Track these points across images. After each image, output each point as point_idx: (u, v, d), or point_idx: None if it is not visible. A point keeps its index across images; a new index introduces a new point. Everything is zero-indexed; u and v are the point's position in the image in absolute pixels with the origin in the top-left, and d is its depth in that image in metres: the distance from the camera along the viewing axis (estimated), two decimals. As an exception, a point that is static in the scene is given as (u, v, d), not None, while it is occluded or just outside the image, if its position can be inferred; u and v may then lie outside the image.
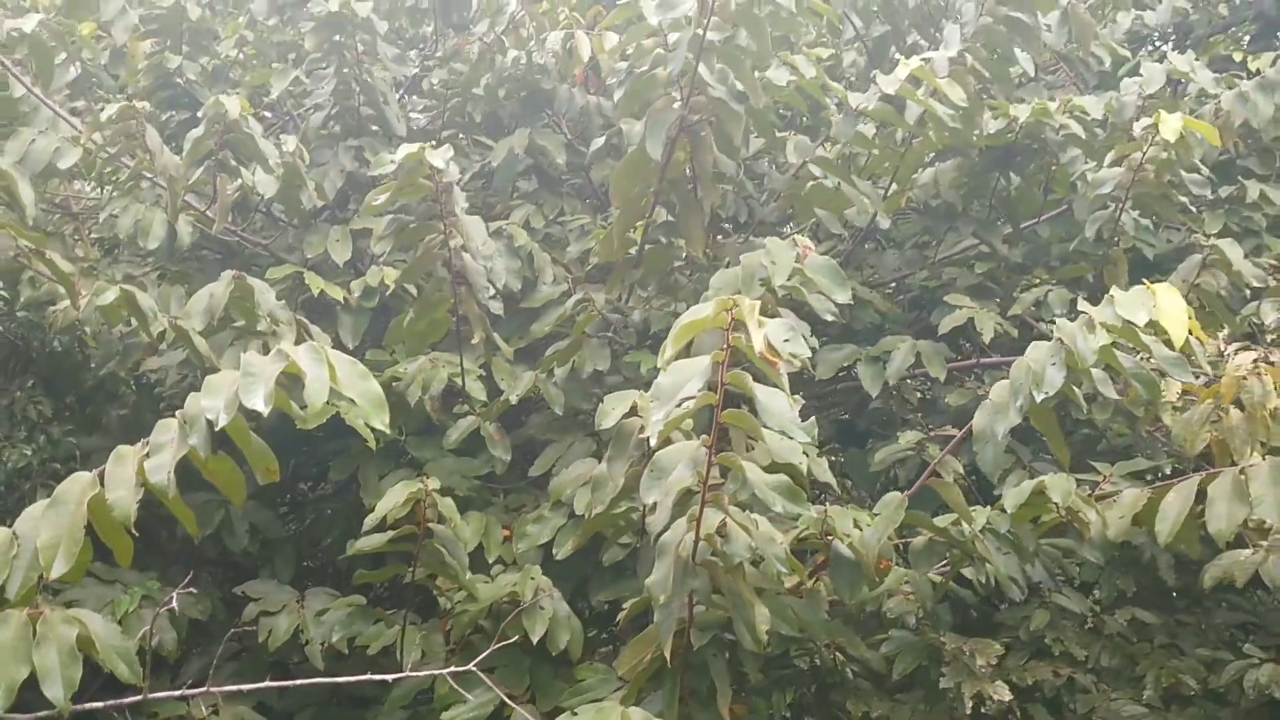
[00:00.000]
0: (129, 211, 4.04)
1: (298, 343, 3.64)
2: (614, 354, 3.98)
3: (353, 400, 2.22)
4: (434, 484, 3.21)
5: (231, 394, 2.17)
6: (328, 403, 2.21)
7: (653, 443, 2.54)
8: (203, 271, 4.44)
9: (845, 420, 4.68)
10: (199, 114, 3.77)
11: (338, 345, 3.91)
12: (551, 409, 3.87)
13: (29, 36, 3.60)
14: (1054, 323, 2.94)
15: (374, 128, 4.51)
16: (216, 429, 2.16)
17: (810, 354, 2.52)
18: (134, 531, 2.19)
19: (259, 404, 2.12)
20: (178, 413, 2.26)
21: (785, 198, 4.04)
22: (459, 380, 3.86)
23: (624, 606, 3.14)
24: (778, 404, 2.47)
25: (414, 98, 5.35)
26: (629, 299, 4.03)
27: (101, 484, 2.25)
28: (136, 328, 3.39)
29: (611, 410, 2.99)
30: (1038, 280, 4.24)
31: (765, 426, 2.50)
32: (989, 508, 3.38)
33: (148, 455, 2.23)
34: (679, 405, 2.44)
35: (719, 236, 4.40)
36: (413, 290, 3.97)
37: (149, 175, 3.86)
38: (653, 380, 2.56)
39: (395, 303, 4.13)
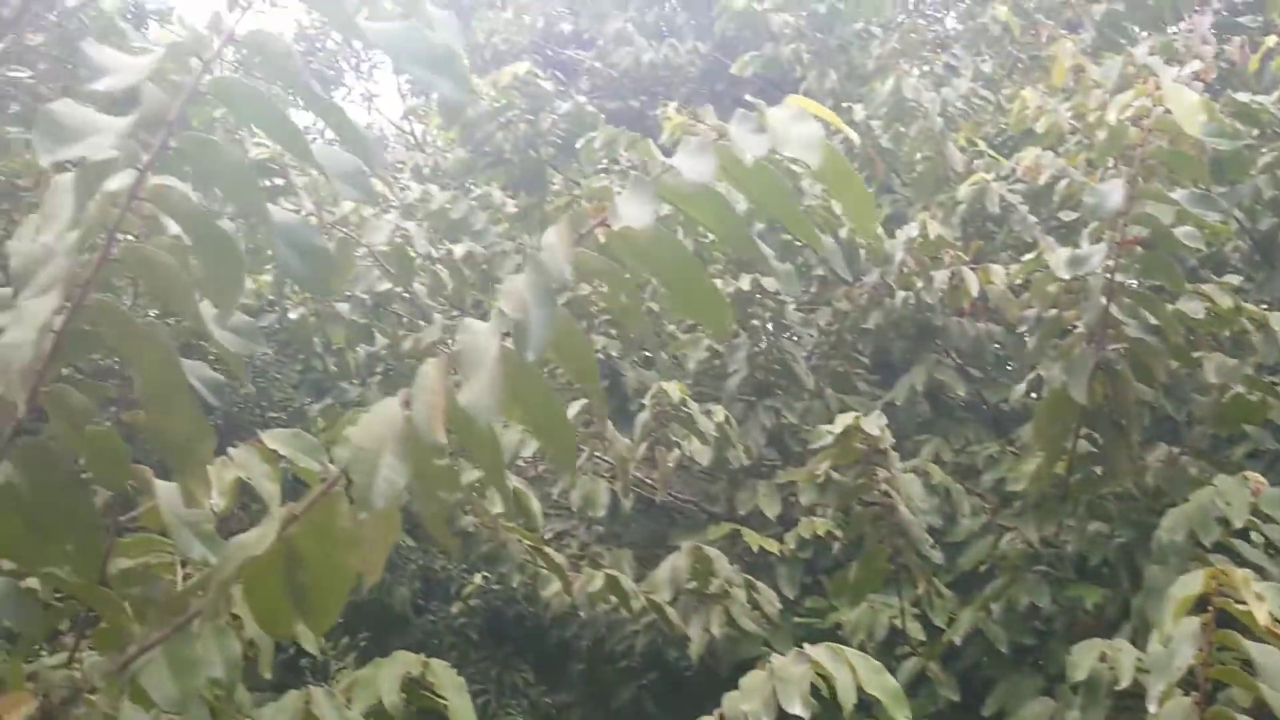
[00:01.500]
0: (580, 485, 4.54)
1: (748, 600, 3.96)
2: (1051, 586, 4.02)
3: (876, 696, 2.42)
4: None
5: (769, 696, 2.42)
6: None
7: (1151, 709, 2.60)
8: (628, 527, 4.92)
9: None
10: (644, 400, 4.22)
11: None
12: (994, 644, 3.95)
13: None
14: None
15: (783, 381, 4.87)
16: (760, 731, 2.41)
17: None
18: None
19: (798, 709, 2.36)
20: (716, 712, 2.53)
21: (1209, 419, 4.02)
22: (898, 622, 4.03)
23: None
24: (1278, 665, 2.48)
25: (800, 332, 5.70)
26: (1060, 532, 4.08)
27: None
28: (617, 604, 3.78)
29: (1081, 662, 3.08)
30: None
31: (1262, 684, 2.51)
32: None
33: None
34: (1175, 672, 2.51)
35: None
36: (838, 533, 4.22)
37: (600, 456, 4.33)
38: (1101, 613, 2.63)
39: (824, 549, 4.38)
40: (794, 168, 4.01)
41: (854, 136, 1.69)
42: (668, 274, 1.73)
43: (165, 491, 2.09)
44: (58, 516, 1.75)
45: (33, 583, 1.96)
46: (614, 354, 5.11)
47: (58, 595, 2.10)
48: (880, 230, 5.04)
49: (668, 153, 5.78)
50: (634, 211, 1.53)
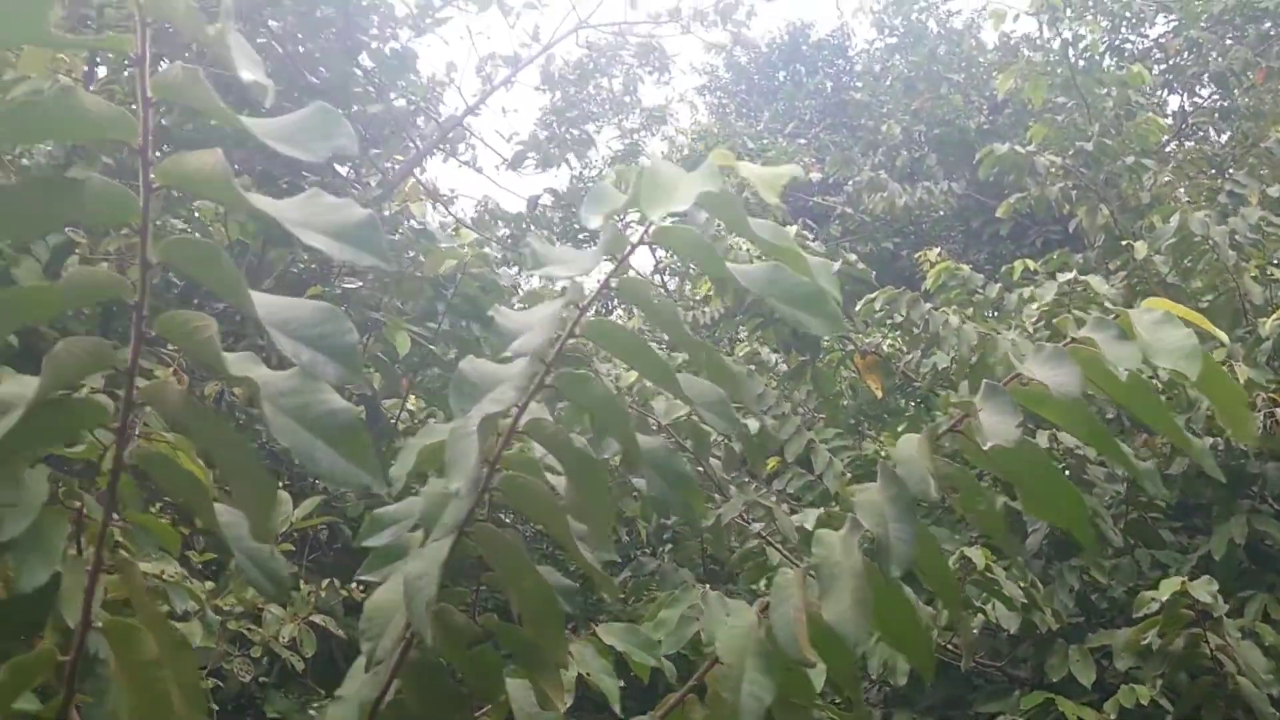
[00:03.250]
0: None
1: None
2: None
3: None
4: None
5: None
6: None
7: None
8: (925, 692, 4.77)
9: None
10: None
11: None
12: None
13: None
14: None
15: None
16: None
17: None
18: None
19: None
20: None
21: None
22: (1240, 801, 3.71)
23: None
24: None
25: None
26: None
27: None
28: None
29: None
30: None
31: None
32: None
33: None
34: None
35: None
36: (1163, 701, 3.95)
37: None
38: None
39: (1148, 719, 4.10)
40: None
41: (1223, 338, 1.64)
42: (1025, 478, 1.71)
43: (517, 690, 2.17)
44: (440, 729, 1.85)
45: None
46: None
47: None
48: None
49: (930, 295, 5.78)
50: (1001, 429, 1.53)
